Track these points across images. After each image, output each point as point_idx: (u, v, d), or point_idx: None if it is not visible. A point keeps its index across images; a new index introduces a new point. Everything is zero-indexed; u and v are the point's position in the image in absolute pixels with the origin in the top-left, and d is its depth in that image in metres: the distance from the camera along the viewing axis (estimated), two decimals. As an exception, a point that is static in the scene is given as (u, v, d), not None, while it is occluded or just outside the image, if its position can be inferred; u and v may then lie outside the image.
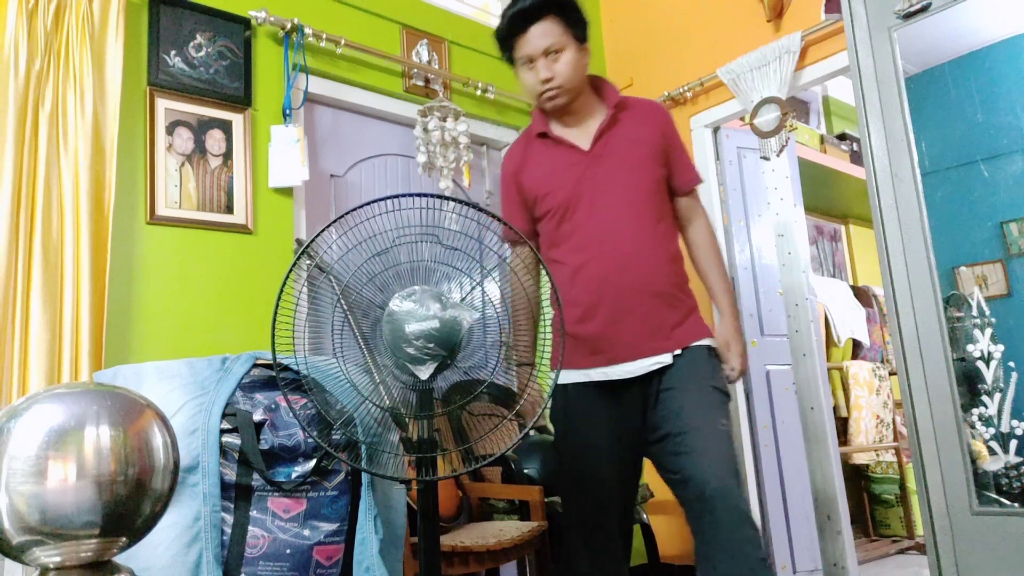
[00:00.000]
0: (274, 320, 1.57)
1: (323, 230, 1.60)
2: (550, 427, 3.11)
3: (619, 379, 1.76)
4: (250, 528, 1.66)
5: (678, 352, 1.75)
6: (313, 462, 1.73)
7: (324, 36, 2.84)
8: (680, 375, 1.73)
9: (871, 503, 4.29)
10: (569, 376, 1.82)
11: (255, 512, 1.68)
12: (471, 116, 3.28)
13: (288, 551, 1.67)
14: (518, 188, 1.89)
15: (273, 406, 1.75)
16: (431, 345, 1.59)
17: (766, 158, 3.03)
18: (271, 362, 1.78)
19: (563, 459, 1.86)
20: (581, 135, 1.82)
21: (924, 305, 1.88)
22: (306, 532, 1.70)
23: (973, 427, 1.80)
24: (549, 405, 1.85)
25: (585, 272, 1.76)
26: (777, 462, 3.17)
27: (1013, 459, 1.74)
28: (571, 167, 1.80)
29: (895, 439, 4.12)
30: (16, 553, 1.09)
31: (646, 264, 1.74)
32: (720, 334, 1.83)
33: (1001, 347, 1.78)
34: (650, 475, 3.53)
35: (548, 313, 1.82)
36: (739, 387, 3.24)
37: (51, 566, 1.10)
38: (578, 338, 1.78)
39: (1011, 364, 1.77)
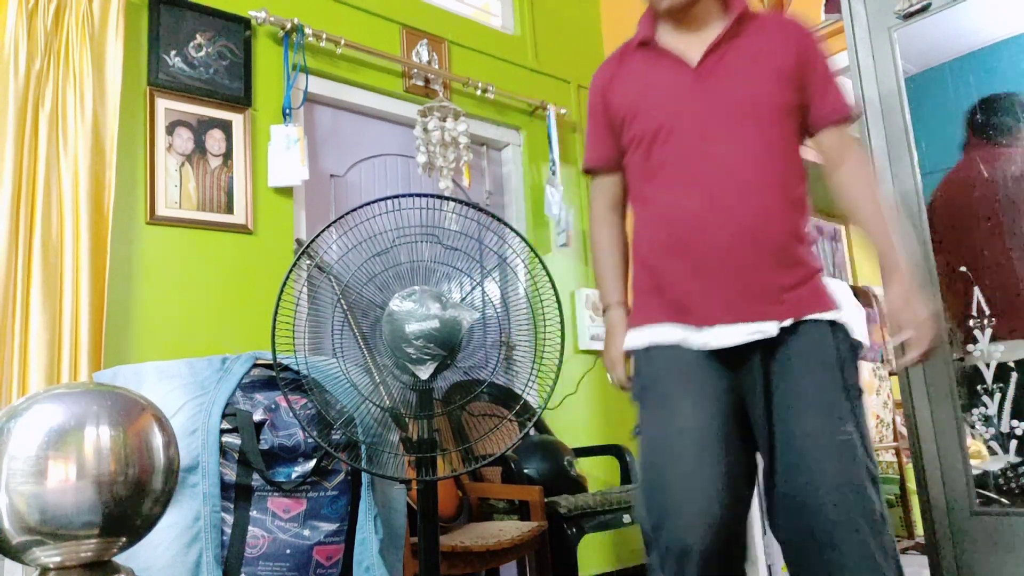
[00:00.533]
0: (274, 320, 1.57)
1: (323, 230, 1.61)
2: (549, 426, 3.11)
3: (711, 349, 1.36)
4: (250, 528, 1.66)
5: (787, 324, 1.34)
6: (313, 462, 1.73)
7: (324, 36, 2.84)
8: (792, 359, 1.34)
9: (871, 503, 4.28)
10: (653, 334, 1.42)
11: (255, 512, 1.68)
12: (471, 116, 3.28)
13: (288, 551, 1.67)
14: (605, 108, 1.55)
15: (273, 406, 1.75)
16: (431, 345, 1.59)
17: (766, 158, 3.03)
18: (271, 362, 1.78)
19: (646, 450, 1.39)
20: (692, 47, 1.45)
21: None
22: (306, 532, 1.70)
23: (973, 427, 1.80)
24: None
25: (673, 213, 1.41)
26: (777, 462, 3.17)
27: (1013, 459, 1.74)
28: (672, 85, 1.45)
29: (895, 439, 4.12)
30: (16, 553, 1.09)
31: (754, 206, 1.36)
32: (891, 298, 1.36)
33: (1001, 347, 1.78)
34: (650, 475, 3.54)
35: (551, 329, 1.80)
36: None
37: (51, 566, 1.10)
38: (661, 294, 1.43)
39: (1011, 364, 1.76)
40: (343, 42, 2.91)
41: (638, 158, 1.48)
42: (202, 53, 2.61)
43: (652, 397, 1.39)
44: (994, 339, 1.79)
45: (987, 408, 1.78)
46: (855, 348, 1.38)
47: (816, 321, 1.35)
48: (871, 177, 1.46)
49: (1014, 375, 1.75)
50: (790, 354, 1.34)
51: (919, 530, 4.01)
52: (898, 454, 4.15)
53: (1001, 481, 1.75)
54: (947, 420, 1.82)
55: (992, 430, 1.77)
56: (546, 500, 2.49)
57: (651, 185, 1.46)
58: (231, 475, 1.68)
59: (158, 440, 1.17)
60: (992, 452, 1.77)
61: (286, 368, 1.70)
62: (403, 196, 1.62)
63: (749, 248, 1.35)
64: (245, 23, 2.71)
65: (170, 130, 2.50)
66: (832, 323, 1.37)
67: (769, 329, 1.33)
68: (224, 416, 1.70)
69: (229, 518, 1.66)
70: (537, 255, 1.75)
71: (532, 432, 2.89)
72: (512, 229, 1.72)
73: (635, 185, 1.51)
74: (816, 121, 1.46)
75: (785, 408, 1.32)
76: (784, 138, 1.42)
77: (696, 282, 1.38)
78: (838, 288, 1.46)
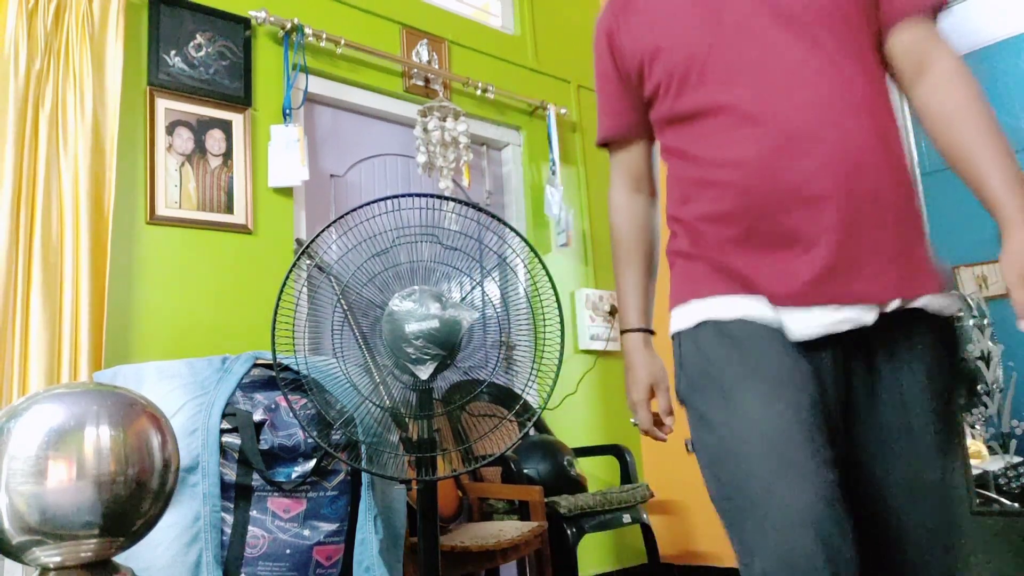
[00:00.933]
0: (274, 320, 1.57)
1: (323, 230, 1.61)
2: (549, 426, 3.11)
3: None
4: (250, 528, 1.66)
5: (892, 308, 0.97)
6: (313, 462, 1.73)
7: (324, 36, 2.84)
8: (899, 370, 0.98)
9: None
10: (706, 308, 1.05)
11: (255, 512, 1.68)
12: (471, 116, 3.28)
13: (288, 551, 1.67)
14: (613, 57, 1.21)
15: (273, 406, 1.75)
16: (431, 345, 1.59)
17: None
18: (271, 362, 1.78)
19: (711, 464, 0.99)
20: None
21: (924, 305, 1.88)
22: (306, 532, 1.70)
23: (973, 427, 1.80)
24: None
25: (724, 166, 1.03)
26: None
27: (1013, 459, 1.74)
28: (697, 5, 1.09)
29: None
30: (16, 553, 1.09)
31: (835, 140, 0.97)
32: (1007, 256, 0.93)
33: (1001, 347, 1.78)
34: (651, 473, 3.54)
35: (551, 329, 1.80)
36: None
37: (51, 566, 1.10)
38: (709, 260, 1.07)
39: (1011, 364, 1.77)
40: (343, 42, 2.91)
41: (666, 107, 1.12)
42: (202, 53, 2.61)
43: (707, 391, 1.00)
44: (994, 339, 1.79)
45: (987, 408, 1.78)
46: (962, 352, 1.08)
47: (923, 314, 0.98)
48: (973, 89, 0.99)
49: (1014, 375, 1.75)
50: (898, 361, 0.98)
51: (919, 530, 4.01)
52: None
53: (1001, 481, 1.75)
54: (947, 420, 1.82)
55: (992, 430, 1.77)
56: (546, 500, 2.49)
57: (685, 136, 1.10)
58: (231, 475, 1.68)
59: (158, 440, 1.17)
60: (992, 452, 1.77)
61: (286, 368, 1.70)
62: (403, 196, 1.62)
63: (834, 198, 0.96)
64: (245, 23, 2.71)
65: (170, 130, 2.50)
66: (943, 318, 1.01)
67: (863, 317, 0.96)
68: (224, 416, 1.70)
69: (229, 518, 1.66)
70: (537, 255, 1.75)
71: (532, 432, 2.89)
72: (512, 229, 1.72)
73: (665, 140, 1.16)
74: (889, 16, 1.05)
75: (881, 435, 0.98)
76: (859, 45, 1.03)
77: (758, 253, 1.02)
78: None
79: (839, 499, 0.89)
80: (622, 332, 1.23)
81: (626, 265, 1.24)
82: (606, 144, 1.29)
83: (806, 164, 0.97)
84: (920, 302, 0.97)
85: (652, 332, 1.23)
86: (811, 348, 0.99)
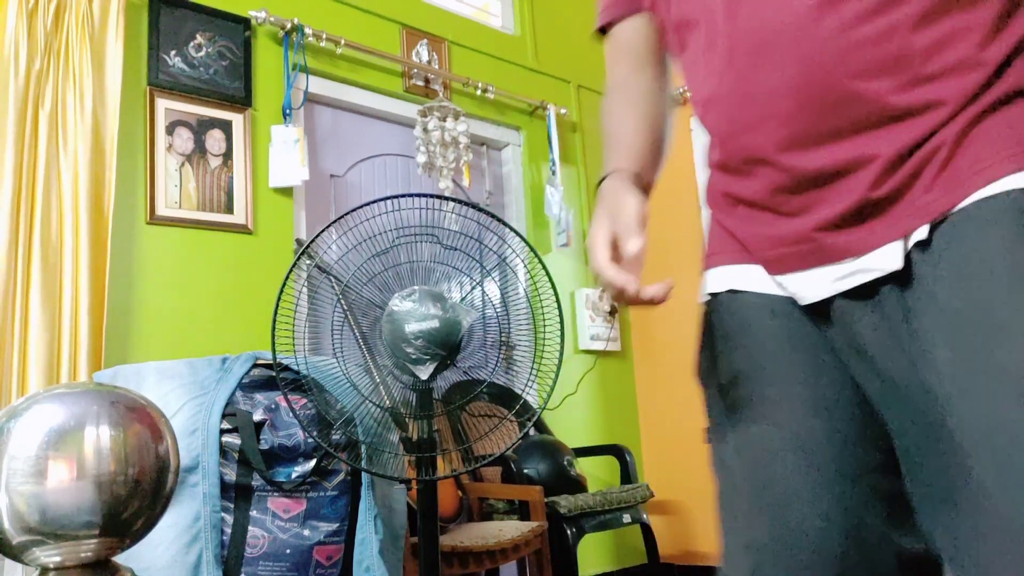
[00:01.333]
0: (274, 320, 1.57)
1: (323, 230, 1.61)
2: (549, 426, 3.11)
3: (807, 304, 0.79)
4: (250, 528, 1.66)
5: (921, 237, 0.68)
6: (313, 462, 1.73)
7: (324, 36, 2.84)
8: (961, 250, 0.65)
9: (871, 503, 4.29)
10: (722, 276, 0.86)
11: (255, 512, 1.68)
12: (471, 116, 3.28)
13: (288, 551, 1.67)
14: None
15: (273, 406, 1.75)
16: (431, 345, 1.59)
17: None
18: (271, 362, 1.78)
19: (720, 473, 0.83)
20: None
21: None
22: (306, 532, 1.70)
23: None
24: None
25: (701, 104, 0.82)
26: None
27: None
28: None
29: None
30: (16, 553, 1.09)
31: (798, 54, 0.70)
32: None
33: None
34: (651, 474, 3.54)
35: (551, 329, 1.79)
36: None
37: (51, 566, 1.10)
38: (719, 230, 0.88)
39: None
40: (343, 42, 2.91)
41: (660, 17, 0.89)
42: (202, 53, 2.61)
43: (724, 383, 0.83)
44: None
45: None
46: None
47: (990, 199, 0.64)
48: None
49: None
50: (954, 244, 0.66)
51: (919, 530, 4.00)
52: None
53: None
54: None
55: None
56: (546, 500, 2.49)
57: (682, 59, 0.86)
58: (231, 475, 1.68)
59: (158, 440, 1.17)
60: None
61: (286, 368, 1.70)
62: (403, 196, 1.62)
63: (858, 115, 0.69)
64: (245, 23, 2.71)
65: (170, 130, 2.50)
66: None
67: (883, 263, 0.70)
68: (224, 416, 1.70)
69: (229, 518, 1.66)
70: (537, 255, 1.75)
71: (532, 432, 2.89)
72: (512, 229, 1.72)
73: (672, 47, 0.90)
74: None
75: (941, 328, 0.65)
76: None
77: (746, 213, 0.82)
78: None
79: (850, 519, 0.74)
80: (598, 185, 0.90)
81: (618, 117, 0.92)
82: (607, 27, 0.97)
83: (809, 78, 0.70)
84: (986, 186, 0.65)
85: (638, 175, 0.88)
86: (824, 308, 0.78)
